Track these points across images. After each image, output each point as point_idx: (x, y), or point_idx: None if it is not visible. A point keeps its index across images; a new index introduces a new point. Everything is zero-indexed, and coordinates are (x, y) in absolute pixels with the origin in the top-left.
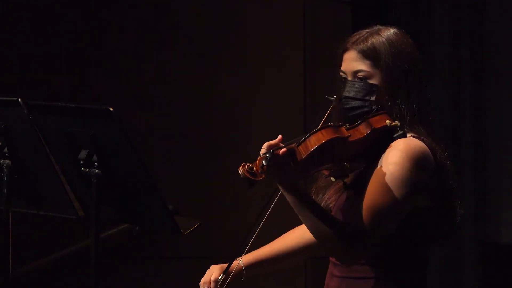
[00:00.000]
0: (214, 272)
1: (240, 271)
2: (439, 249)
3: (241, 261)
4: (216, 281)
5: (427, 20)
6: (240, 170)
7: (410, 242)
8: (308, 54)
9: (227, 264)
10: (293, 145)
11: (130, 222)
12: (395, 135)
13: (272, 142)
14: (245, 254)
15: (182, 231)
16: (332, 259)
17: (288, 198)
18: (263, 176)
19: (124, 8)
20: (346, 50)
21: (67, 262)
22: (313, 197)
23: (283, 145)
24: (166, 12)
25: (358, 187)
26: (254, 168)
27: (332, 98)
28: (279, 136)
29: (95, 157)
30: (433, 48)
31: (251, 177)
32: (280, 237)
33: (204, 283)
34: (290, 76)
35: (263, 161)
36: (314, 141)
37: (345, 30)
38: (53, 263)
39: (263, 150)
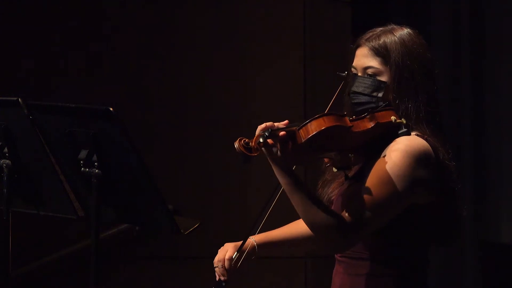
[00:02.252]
0: (228, 250)
1: (253, 249)
2: (439, 249)
3: (253, 240)
4: (230, 259)
5: (427, 20)
6: (236, 145)
7: (411, 240)
8: (308, 54)
9: (241, 242)
10: (294, 128)
11: (130, 222)
12: (399, 132)
13: (276, 123)
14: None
15: (182, 231)
16: (337, 256)
17: (281, 181)
18: (258, 152)
19: (124, 8)
20: (358, 46)
21: (67, 262)
22: (319, 189)
23: (284, 126)
24: (166, 10)
25: (359, 180)
26: (250, 144)
27: (344, 74)
28: (286, 121)
29: (95, 157)
30: (433, 48)
31: (246, 152)
32: (292, 222)
33: (219, 261)
34: (290, 75)
35: (260, 138)
36: (315, 126)
37: (345, 30)
38: (53, 263)
39: (262, 127)
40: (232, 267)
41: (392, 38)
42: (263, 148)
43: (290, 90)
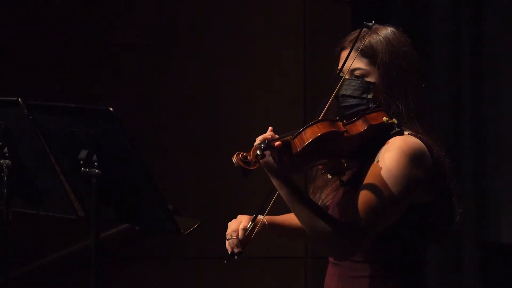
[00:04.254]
0: (242, 221)
1: (263, 226)
2: (439, 249)
3: (263, 218)
4: (245, 229)
5: (427, 20)
6: (234, 159)
7: (408, 240)
8: (308, 54)
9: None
10: (288, 137)
11: (130, 222)
12: (392, 132)
13: (266, 134)
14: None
15: (182, 231)
16: (331, 258)
17: (281, 192)
18: (257, 165)
19: (124, 7)
20: (343, 48)
21: (67, 262)
22: (311, 196)
23: (278, 137)
24: (167, 10)
25: (355, 184)
26: (248, 157)
27: (371, 24)
28: (270, 128)
29: (95, 157)
30: (433, 48)
31: (244, 166)
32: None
33: (233, 231)
34: (290, 76)
35: (257, 151)
36: (310, 134)
37: (345, 30)
38: (53, 263)
39: (257, 141)
40: (246, 237)
41: (377, 37)
42: (261, 161)
43: (290, 90)
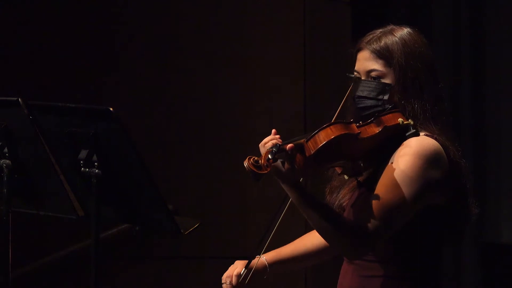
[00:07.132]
0: (237, 266)
1: (264, 268)
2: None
3: (264, 258)
4: (238, 275)
5: (427, 20)
6: (246, 164)
7: (424, 242)
8: (308, 54)
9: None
10: (302, 140)
11: (130, 222)
12: (407, 134)
13: (270, 137)
14: (263, 253)
15: (182, 231)
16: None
17: (292, 196)
18: (269, 169)
19: (124, 9)
20: (359, 49)
21: (67, 262)
22: (328, 196)
23: (291, 140)
24: (167, 11)
25: (371, 185)
26: (260, 161)
27: (353, 76)
28: (273, 130)
29: (95, 157)
30: (433, 47)
31: (256, 170)
32: (301, 237)
33: (227, 277)
34: (290, 76)
35: (269, 155)
36: (323, 137)
37: (345, 30)
38: (53, 263)
39: (269, 144)
40: (240, 284)
41: (393, 39)
42: (273, 165)
43: (290, 90)
